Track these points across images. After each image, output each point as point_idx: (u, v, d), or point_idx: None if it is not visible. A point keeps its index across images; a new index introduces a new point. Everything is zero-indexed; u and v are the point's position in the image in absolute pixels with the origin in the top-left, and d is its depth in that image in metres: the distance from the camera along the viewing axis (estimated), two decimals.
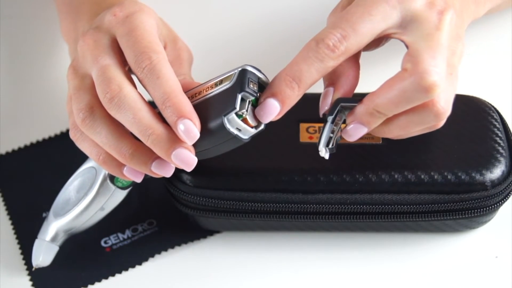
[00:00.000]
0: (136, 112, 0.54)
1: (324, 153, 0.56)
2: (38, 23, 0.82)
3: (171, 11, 0.73)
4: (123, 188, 0.61)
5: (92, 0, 0.66)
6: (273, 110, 0.54)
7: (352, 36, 0.53)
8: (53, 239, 0.63)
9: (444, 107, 0.54)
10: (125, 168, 0.57)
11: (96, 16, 0.61)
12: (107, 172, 0.60)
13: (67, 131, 0.73)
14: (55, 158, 0.71)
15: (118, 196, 0.61)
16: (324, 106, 0.57)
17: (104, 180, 0.61)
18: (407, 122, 0.56)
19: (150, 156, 0.56)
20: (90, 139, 0.57)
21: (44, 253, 0.63)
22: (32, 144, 0.73)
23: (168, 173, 0.57)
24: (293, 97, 0.54)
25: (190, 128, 0.54)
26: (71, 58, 0.65)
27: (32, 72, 0.79)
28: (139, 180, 0.58)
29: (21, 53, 0.81)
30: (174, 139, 0.54)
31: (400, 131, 0.56)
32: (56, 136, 0.73)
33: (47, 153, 0.72)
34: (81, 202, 0.61)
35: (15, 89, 0.78)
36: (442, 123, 0.56)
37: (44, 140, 0.73)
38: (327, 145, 0.56)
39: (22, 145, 0.73)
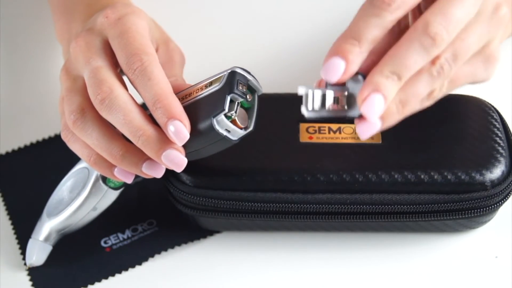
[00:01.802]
0: (127, 113, 0.55)
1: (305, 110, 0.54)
2: (38, 23, 0.82)
3: (163, 13, 0.73)
4: (115, 188, 0.61)
5: (85, 2, 0.66)
6: (336, 67, 0.52)
7: None
8: (46, 239, 0.63)
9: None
10: (115, 169, 0.58)
11: (89, 18, 0.61)
12: (99, 173, 0.61)
13: (61, 132, 0.73)
14: (55, 158, 0.71)
15: (110, 196, 0.62)
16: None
17: (96, 181, 0.61)
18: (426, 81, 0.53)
19: (141, 157, 0.56)
20: (81, 140, 0.58)
21: (38, 252, 0.64)
22: (32, 144, 0.73)
23: (159, 174, 0.57)
24: (355, 52, 0.52)
25: (180, 129, 0.54)
26: (65, 60, 0.66)
27: (32, 72, 0.79)
28: (129, 181, 0.59)
29: (21, 53, 0.81)
30: (164, 140, 0.55)
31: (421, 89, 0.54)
32: (56, 136, 0.73)
33: (47, 153, 0.72)
34: (74, 202, 0.62)
35: (15, 89, 0.78)
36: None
37: (44, 140, 0.73)
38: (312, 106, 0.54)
39: (22, 145, 0.73)
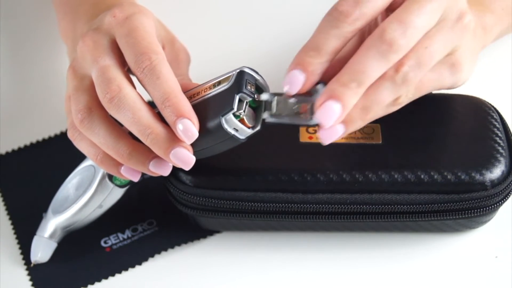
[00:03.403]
0: (136, 112, 0.55)
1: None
2: (39, 23, 0.82)
3: (169, 12, 0.73)
4: (121, 186, 0.61)
5: (90, 1, 0.66)
6: (296, 79, 0.54)
7: (366, 0, 0.53)
8: (52, 236, 0.64)
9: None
10: (122, 168, 0.58)
11: (94, 17, 0.61)
12: (105, 171, 0.61)
13: (67, 131, 0.73)
14: (55, 158, 0.71)
15: (116, 194, 0.62)
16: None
17: (102, 178, 0.61)
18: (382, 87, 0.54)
19: (148, 155, 0.56)
20: (88, 139, 0.58)
21: (43, 249, 0.64)
22: (32, 144, 0.73)
23: (166, 172, 0.57)
24: (314, 63, 0.54)
25: (188, 127, 0.54)
26: (69, 59, 0.66)
27: (32, 72, 0.79)
28: (136, 179, 0.59)
29: (21, 53, 0.81)
30: (173, 139, 0.55)
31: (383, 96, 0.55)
32: (56, 136, 0.73)
33: (47, 153, 0.72)
34: (80, 200, 0.62)
35: (15, 89, 0.78)
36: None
37: (44, 140, 0.73)
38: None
39: (22, 145, 0.73)
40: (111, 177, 0.61)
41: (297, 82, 0.54)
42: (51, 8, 0.75)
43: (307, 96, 0.55)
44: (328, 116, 0.53)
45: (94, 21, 0.60)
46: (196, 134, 0.55)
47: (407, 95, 0.56)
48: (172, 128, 0.55)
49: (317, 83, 0.55)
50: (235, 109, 0.54)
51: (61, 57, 0.78)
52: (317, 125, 0.54)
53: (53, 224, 0.63)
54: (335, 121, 0.53)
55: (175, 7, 0.82)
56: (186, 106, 0.55)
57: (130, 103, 0.55)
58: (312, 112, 0.55)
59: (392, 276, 0.63)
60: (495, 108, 0.64)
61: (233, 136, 0.55)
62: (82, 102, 0.57)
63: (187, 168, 0.56)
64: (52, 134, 0.74)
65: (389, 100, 0.55)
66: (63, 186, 0.64)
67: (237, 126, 0.55)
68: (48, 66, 0.79)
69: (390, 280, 0.63)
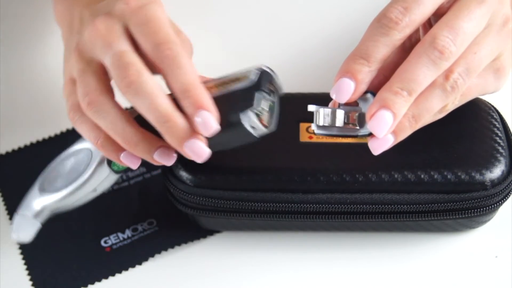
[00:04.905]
0: (154, 98, 0.54)
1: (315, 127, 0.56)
2: (39, 23, 0.82)
3: (171, 6, 0.73)
4: (117, 172, 0.61)
5: None
6: (345, 87, 0.53)
7: (415, 7, 0.53)
8: (37, 215, 0.62)
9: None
10: (122, 154, 0.57)
11: (92, 2, 0.60)
12: (105, 156, 0.60)
13: (67, 131, 0.73)
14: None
15: (111, 179, 0.61)
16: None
17: (100, 163, 0.60)
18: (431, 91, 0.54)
19: (154, 144, 0.56)
20: (91, 121, 0.57)
21: (26, 228, 0.62)
22: (32, 144, 0.73)
23: (170, 162, 0.57)
24: (364, 71, 0.53)
25: (208, 120, 0.54)
26: (64, 42, 0.65)
27: (32, 72, 0.79)
28: (135, 166, 0.58)
29: (21, 53, 0.81)
30: (190, 130, 0.54)
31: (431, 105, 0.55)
32: (56, 136, 0.73)
33: (47, 153, 0.72)
34: (75, 182, 0.61)
35: (15, 89, 0.78)
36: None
37: (44, 140, 0.73)
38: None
39: (22, 145, 0.73)
40: (110, 162, 0.60)
41: (346, 91, 0.53)
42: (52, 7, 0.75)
43: (353, 105, 0.55)
44: (381, 126, 0.53)
45: (100, 5, 0.59)
46: (216, 128, 0.54)
47: (454, 102, 0.56)
48: (191, 119, 0.54)
49: (365, 92, 0.54)
50: (254, 106, 0.55)
51: (62, 57, 0.78)
52: (368, 135, 0.54)
53: (40, 204, 0.61)
54: (387, 130, 0.53)
55: (177, 3, 0.82)
56: (206, 98, 0.54)
57: (148, 89, 0.54)
58: (360, 122, 0.55)
59: (392, 276, 0.63)
60: (495, 108, 0.65)
61: (249, 133, 0.55)
62: (90, 85, 0.56)
63: (200, 161, 0.55)
64: (52, 134, 0.74)
65: (439, 108, 0.55)
66: (54, 165, 0.63)
67: (254, 123, 0.55)
68: (48, 66, 0.79)
69: (390, 280, 0.63)
